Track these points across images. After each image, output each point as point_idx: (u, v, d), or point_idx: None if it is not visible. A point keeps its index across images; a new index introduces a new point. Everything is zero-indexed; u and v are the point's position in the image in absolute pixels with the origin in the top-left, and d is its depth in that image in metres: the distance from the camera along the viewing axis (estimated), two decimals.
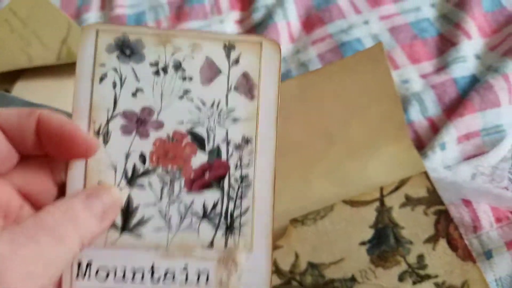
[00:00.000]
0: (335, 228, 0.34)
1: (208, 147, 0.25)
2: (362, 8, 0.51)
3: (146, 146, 0.24)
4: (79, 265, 0.24)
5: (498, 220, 0.33)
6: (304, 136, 0.35)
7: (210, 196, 0.25)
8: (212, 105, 0.25)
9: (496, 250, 0.32)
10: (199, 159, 0.25)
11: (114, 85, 0.24)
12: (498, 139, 0.37)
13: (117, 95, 0.24)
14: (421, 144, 0.39)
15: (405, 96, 0.42)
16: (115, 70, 0.24)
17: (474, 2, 0.47)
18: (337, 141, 0.36)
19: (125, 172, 0.24)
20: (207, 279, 0.24)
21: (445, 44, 0.46)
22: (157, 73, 0.24)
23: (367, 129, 0.36)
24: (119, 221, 0.24)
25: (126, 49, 0.24)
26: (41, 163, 0.24)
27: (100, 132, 0.24)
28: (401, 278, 0.32)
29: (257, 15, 0.54)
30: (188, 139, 0.25)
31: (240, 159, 0.25)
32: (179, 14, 0.57)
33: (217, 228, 0.25)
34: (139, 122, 0.24)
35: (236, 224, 0.25)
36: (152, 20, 0.57)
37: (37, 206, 0.23)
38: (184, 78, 0.25)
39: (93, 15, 0.58)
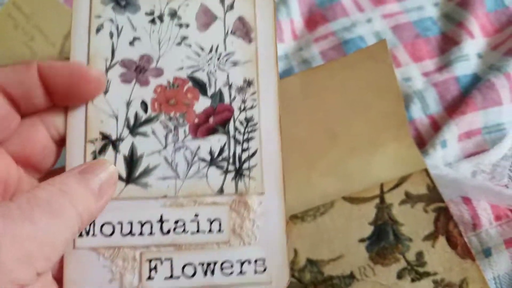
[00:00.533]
0: (335, 225, 0.34)
1: (210, 91, 0.24)
2: (365, 6, 0.51)
3: (147, 93, 0.24)
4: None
5: (498, 218, 0.33)
6: (306, 133, 0.35)
7: (216, 141, 0.24)
8: (211, 50, 0.25)
9: (495, 248, 0.32)
10: (202, 104, 0.24)
11: (111, 35, 0.24)
12: (499, 137, 0.37)
13: (115, 45, 0.24)
14: (422, 142, 0.39)
15: (407, 94, 0.42)
16: (111, 20, 0.24)
17: (477, 1, 0.46)
18: (339, 138, 0.36)
19: (127, 120, 0.24)
20: (220, 226, 0.23)
21: (448, 43, 0.46)
22: (153, 21, 0.24)
23: (369, 126, 0.36)
24: (123, 171, 0.24)
25: (121, 1, 0.25)
26: (35, 123, 0.23)
27: None
28: (399, 275, 0.32)
29: None
30: (189, 84, 0.24)
31: (244, 101, 0.24)
32: None
33: (226, 173, 0.24)
34: (138, 70, 0.24)
35: (245, 167, 0.24)
36: None
37: (38, 169, 0.23)
38: (180, 25, 0.25)
39: None
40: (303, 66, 0.48)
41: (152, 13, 0.25)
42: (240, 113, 0.24)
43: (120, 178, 0.23)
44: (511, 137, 0.36)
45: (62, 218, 0.19)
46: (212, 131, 0.24)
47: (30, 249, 0.18)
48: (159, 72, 0.24)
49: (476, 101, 0.38)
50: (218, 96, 0.24)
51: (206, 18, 0.25)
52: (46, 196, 0.19)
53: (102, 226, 0.23)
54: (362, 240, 0.34)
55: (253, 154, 0.24)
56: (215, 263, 0.23)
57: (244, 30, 0.25)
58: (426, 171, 0.35)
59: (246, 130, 0.24)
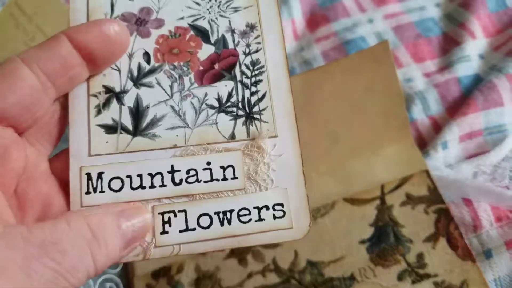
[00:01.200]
0: (335, 226, 0.34)
1: (213, 38, 0.24)
2: (367, 6, 0.51)
3: (148, 44, 0.24)
4: (89, 178, 0.22)
5: (498, 219, 0.33)
6: (307, 134, 0.35)
7: (224, 87, 0.24)
8: None
9: (496, 250, 0.32)
10: (206, 51, 0.24)
11: None
12: (500, 139, 0.37)
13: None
14: (423, 143, 0.39)
15: (408, 95, 0.42)
16: None
17: (479, 2, 0.46)
18: (340, 139, 0.35)
19: (130, 72, 0.23)
20: (234, 173, 0.22)
21: (449, 43, 0.46)
22: None
23: (370, 127, 0.36)
24: (129, 123, 0.23)
25: None
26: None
27: None
28: (400, 277, 0.32)
29: None
30: (191, 33, 0.24)
31: (248, 45, 0.24)
32: None
33: (236, 118, 0.23)
34: (138, 22, 0.24)
35: (256, 110, 0.23)
36: None
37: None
38: None
39: None
40: (304, 67, 0.48)
41: None
42: (245, 57, 0.24)
43: (126, 130, 0.23)
44: None
45: (83, 262, 0.18)
46: (218, 77, 0.24)
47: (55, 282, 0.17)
48: (160, 23, 0.24)
49: (477, 102, 0.38)
50: (221, 42, 0.24)
51: None
52: (72, 237, 0.18)
53: (110, 181, 0.22)
54: (362, 242, 0.34)
55: (263, 96, 0.24)
56: (231, 212, 0.22)
57: None
58: (427, 172, 0.35)
59: (253, 73, 0.24)
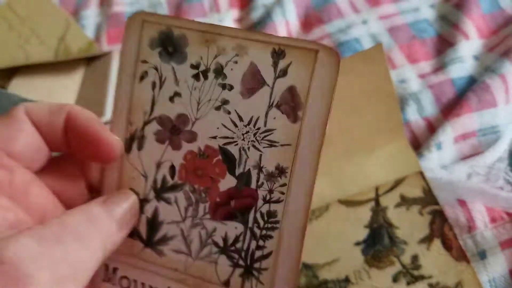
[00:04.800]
0: (330, 228, 0.34)
1: (239, 170, 0.22)
2: (361, 7, 0.51)
3: (177, 158, 0.23)
4: (106, 269, 0.24)
5: (493, 220, 0.33)
6: None
7: (233, 228, 0.22)
8: (250, 122, 0.22)
9: (490, 251, 0.32)
10: (228, 182, 0.22)
11: (154, 86, 0.23)
12: (494, 140, 0.37)
13: (155, 97, 0.23)
14: (418, 144, 0.39)
15: (402, 96, 0.42)
16: (156, 69, 0.23)
17: (473, 3, 0.46)
18: (334, 141, 0.35)
19: (154, 182, 0.23)
20: None
21: (444, 44, 0.46)
22: (197, 77, 0.22)
23: (365, 129, 0.36)
24: (144, 232, 0.24)
25: (169, 46, 0.23)
26: (73, 165, 0.23)
27: (136, 136, 0.23)
28: (395, 279, 0.32)
29: (256, 14, 0.54)
30: (219, 157, 0.23)
31: (270, 191, 0.22)
32: (178, 12, 0.57)
33: (235, 266, 0.22)
34: (173, 131, 0.23)
35: (256, 267, 0.22)
36: None
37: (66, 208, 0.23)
38: (223, 86, 0.22)
39: (92, 12, 0.58)
40: None
41: (197, 66, 0.22)
42: (263, 204, 0.22)
43: (140, 238, 0.24)
44: (506, 140, 0.36)
45: (89, 246, 0.20)
46: (230, 216, 0.22)
47: (63, 272, 0.18)
48: (192, 137, 0.23)
49: (471, 103, 0.38)
50: (245, 178, 0.22)
51: (253, 82, 0.22)
52: (75, 223, 0.20)
53: (121, 278, 0.24)
54: (357, 244, 0.34)
55: (268, 255, 0.22)
56: None
57: (291, 105, 0.21)
58: (421, 173, 0.35)
59: (266, 225, 0.22)
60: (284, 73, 0.21)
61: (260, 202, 0.22)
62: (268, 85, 0.22)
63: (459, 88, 0.41)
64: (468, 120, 0.37)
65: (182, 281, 0.23)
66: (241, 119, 0.22)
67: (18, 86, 0.46)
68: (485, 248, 0.32)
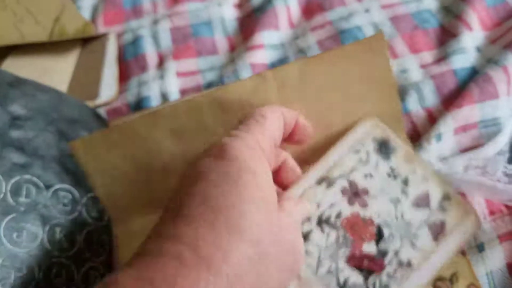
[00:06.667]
0: None
1: (380, 246, 0.27)
2: None
3: (346, 210, 0.28)
4: None
5: (492, 212, 0.32)
6: None
7: (355, 276, 0.27)
8: (408, 223, 0.28)
9: (489, 243, 0.32)
10: (370, 247, 0.27)
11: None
12: (495, 132, 0.36)
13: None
14: (418, 134, 0.38)
15: (403, 86, 0.41)
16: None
17: None
18: (334, 129, 0.35)
19: (322, 213, 0.29)
20: None
21: (446, 35, 0.45)
22: (389, 175, 0.29)
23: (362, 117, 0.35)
24: None
25: (383, 147, 0.31)
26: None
27: (328, 180, 0.30)
28: None
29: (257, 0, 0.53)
30: (374, 229, 0.28)
31: (394, 271, 0.27)
32: None
33: None
34: (355, 194, 0.29)
35: None
36: (148, 1, 0.56)
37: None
38: (403, 191, 0.29)
39: None
40: (299, 56, 0.47)
41: (393, 170, 0.30)
42: (385, 276, 0.27)
43: None
44: (507, 132, 0.36)
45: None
46: (359, 268, 0.27)
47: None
48: (364, 205, 0.29)
49: (472, 94, 0.38)
50: (383, 253, 0.27)
51: (422, 201, 0.29)
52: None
53: None
54: None
55: None
56: None
57: (438, 230, 0.28)
58: None
59: None
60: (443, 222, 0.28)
61: (384, 273, 0.27)
62: (432, 213, 0.28)
63: (461, 79, 0.40)
64: (470, 112, 0.37)
65: None
66: (403, 216, 0.28)
67: (11, 65, 0.45)
68: (484, 240, 0.32)
